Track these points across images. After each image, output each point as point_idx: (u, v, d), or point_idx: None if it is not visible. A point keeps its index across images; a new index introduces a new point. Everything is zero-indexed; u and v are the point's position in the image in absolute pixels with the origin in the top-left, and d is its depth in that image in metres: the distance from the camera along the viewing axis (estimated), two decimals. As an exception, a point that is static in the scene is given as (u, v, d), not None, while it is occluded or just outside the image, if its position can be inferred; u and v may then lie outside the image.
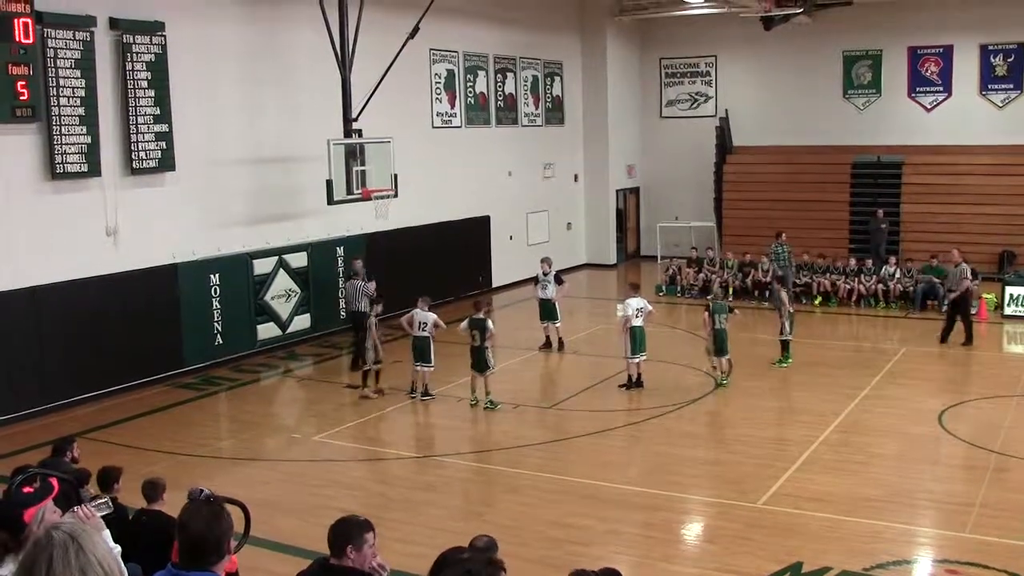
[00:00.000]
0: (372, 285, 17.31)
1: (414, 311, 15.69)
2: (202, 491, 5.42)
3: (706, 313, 16.31)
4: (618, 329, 16.93)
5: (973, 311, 20.34)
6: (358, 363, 16.55)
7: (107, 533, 2.74)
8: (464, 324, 15.33)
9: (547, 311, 18.88)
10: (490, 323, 15.38)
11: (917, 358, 17.97)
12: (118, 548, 3.51)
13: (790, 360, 17.13)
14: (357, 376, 16.34)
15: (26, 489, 6.04)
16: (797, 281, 23.22)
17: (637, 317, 15.79)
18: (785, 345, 17.23)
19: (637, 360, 15.84)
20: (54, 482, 6.41)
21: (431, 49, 22.91)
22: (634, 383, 15.83)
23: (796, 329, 17.60)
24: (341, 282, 20.23)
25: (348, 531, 4.98)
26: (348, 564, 4.90)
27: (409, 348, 15.73)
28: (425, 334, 15.40)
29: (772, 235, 24.35)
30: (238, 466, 12.89)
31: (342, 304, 19.96)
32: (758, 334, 18.11)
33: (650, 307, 16.12)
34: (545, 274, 18.96)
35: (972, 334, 18.72)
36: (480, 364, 15.09)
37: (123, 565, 2.76)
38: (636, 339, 15.79)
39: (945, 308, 19.89)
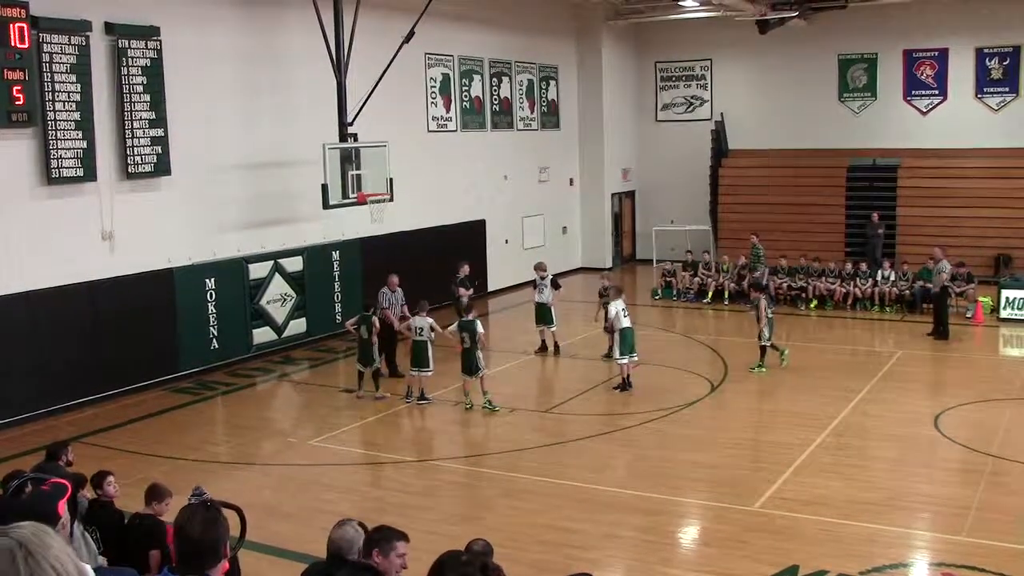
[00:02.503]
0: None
1: (412, 317, 15.76)
2: (203, 492, 5.42)
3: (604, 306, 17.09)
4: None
5: (969, 314, 20.55)
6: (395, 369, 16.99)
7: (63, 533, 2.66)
8: (453, 327, 15.34)
9: (543, 315, 18.89)
10: (479, 325, 15.38)
11: (913, 361, 17.98)
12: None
13: (764, 368, 17.10)
14: (353, 380, 16.35)
15: (43, 487, 6.09)
16: (772, 283, 23.34)
17: (624, 318, 15.91)
18: (763, 351, 17.22)
19: (625, 361, 15.90)
20: (68, 484, 6.45)
21: (426, 53, 22.92)
22: (625, 385, 15.90)
23: (778, 333, 17.52)
24: (337, 286, 20.25)
25: (379, 536, 5.09)
26: (372, 564, 4.98)
27: (407, 353, 15.77)
28: (422, 339, 15.41)
29: (768, 238, 24.40)
30: (234, 470, 12.88)
31: (337, 313, 20.01)
32: (753, 339, 18.09)
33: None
34: (542, 278, 19.00)
35: (947, 329, 19.33)
36: (470, 367, 15.08)
37: (82, 566, 2.69)
38: (626, 341, 15.86)
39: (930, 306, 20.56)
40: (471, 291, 18.97)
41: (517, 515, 10.92)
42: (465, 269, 19.33)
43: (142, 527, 7.51)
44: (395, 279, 17.33)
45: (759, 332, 17.17)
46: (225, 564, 3.86)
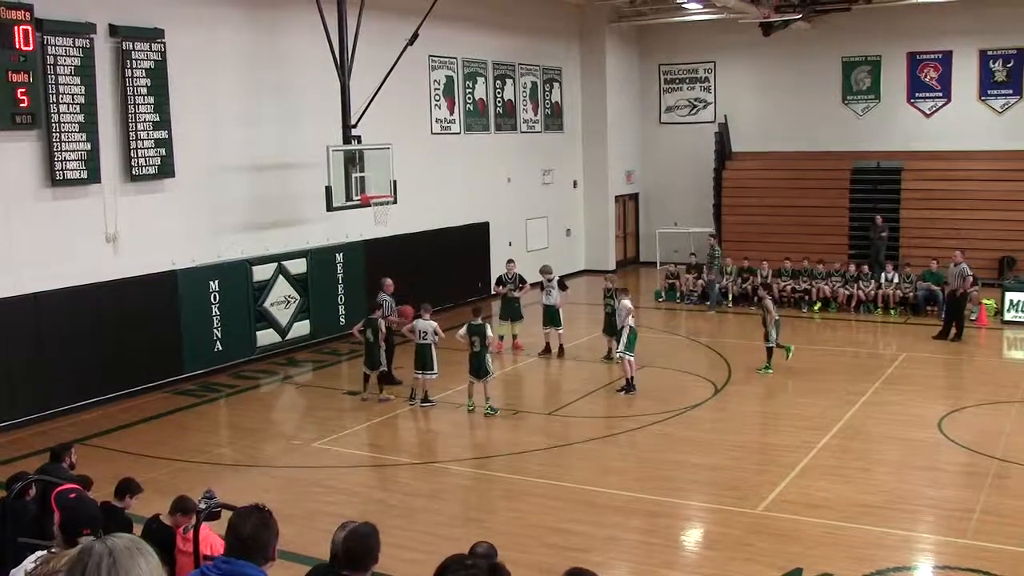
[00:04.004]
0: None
1: (416, 320, 15.77)
2: (213, 495, 5.45)
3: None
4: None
5: (973, 317, 20.52)
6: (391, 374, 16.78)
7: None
8: (463, 330, 15.34)
9: (551, 317, 18.93)
10: (489, 328, 15.40)
11: (917, 364, 17.96)
12: None
13: (771, 369, 17.09)
14: (356, 382, 16.35)
15: (73, 495, 6.29)
16: (728, 284, 23.59)
17: (629, 318, 15.99)
18: (770, 352, 17.20)
19: (628, 356, 15.93)
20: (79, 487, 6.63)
21: (430, 55, 22.93)
22: (628, 387, 15.90)
23: (783, 334, 17.48)
24: (341, 288, 20.25)
25: (373, 549, 4.88)
26: None
27: (411, 355, 15.76)
28: (427, 342, 15.41)
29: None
30: (237, 472, 12.89)
31: (341, 315, 20.01)
32: (756, 341, 18.08)
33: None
34: (549, 280, 19.06)
35: (963, 331, 19.45)
36: (479, 370, 15.09)
37: None
38: (630, 339, 15.91)
39: (943, 309, 20.46)
40: (523, 289, 19.52)
41: (520, 517, 10.92)
42: (513, 266, 19.68)
43: (161, 534, 7.43)
44: (390, 282, 17.28)
45: (765, 333, 17.17)
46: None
